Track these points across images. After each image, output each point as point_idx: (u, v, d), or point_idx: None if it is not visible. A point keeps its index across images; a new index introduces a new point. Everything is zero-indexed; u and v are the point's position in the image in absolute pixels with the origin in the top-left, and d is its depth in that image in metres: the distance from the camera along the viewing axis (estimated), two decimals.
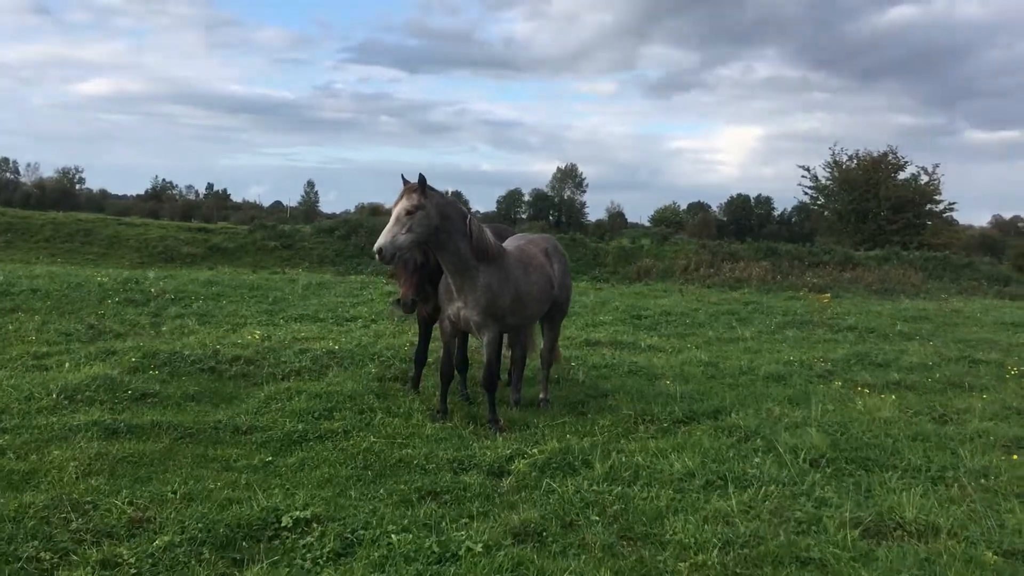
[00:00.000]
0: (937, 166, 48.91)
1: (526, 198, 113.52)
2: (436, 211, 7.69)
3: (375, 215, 70.54)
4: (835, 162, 50.07)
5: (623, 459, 7.05)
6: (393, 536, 5.28)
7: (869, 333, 17.18)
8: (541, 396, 9.45)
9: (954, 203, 50.01)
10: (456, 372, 9.74)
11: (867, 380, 11.30)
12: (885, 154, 49.15)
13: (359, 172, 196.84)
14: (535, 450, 7.27)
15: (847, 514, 5.80)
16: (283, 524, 5.48)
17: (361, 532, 5.38)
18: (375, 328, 14.86)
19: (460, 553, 5.06)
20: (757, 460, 7.05)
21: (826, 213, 52.15)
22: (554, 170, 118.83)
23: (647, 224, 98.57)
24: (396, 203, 7.64)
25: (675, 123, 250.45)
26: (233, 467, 6.91)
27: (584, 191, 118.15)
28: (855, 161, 49.52)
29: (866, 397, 10.08)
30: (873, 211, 47.25)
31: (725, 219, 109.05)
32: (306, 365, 10.73)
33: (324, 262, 31.41)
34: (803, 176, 51.46)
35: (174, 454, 7.14)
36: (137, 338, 12.51)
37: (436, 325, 9.62)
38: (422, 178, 7.66)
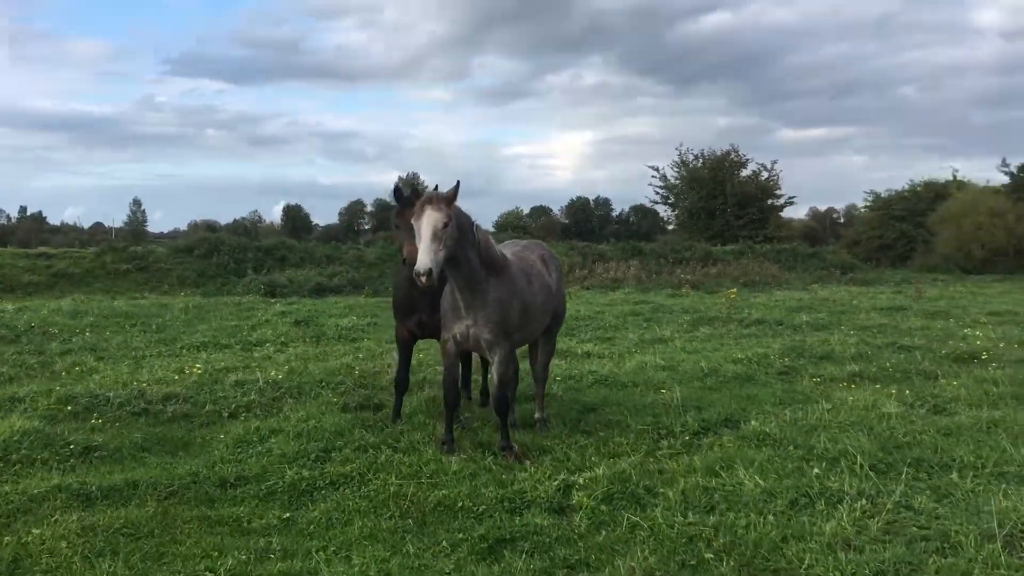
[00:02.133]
0: (775, 162, 51.24)
1: (369, 209, 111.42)
2: (458, 222, 6.94)
3: (212, 231, 67.21)
4: (682, 162, 51.60)
5: (684, 482, 6.45)
6: None
7: (778, 325, 17.32)
8: (538, 416, 8.73)
9: (793, 197, 52.60)
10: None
11: (833, 374, 11.19)
12: (728, 153, 51.06)
13: (187, 188, 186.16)
14: (581, 479, 6.56)
15: (971, 527, 5.41)
16: None
17: None
18: (293, 351, 13.71)
19: None
20: (818, 471, 6.60)
21: (675, 212, 53.51)
22: (395, 180, 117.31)
23: (492, 229, 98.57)
24: (420, 215, 6.79)
25: (510, 130, 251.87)
26: (251, 529, 5.87)
27: None
28: (700, 160, 51.16)
29: (850, 392, 9.93)
30: (720, 207, 48.88)
31: (567, 221, 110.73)
32: (253, 399, 9.57)
33: (186, 284, 29.27)
34: (653, 176, 52.69)
35: (172, 518, 6.00)
36: (32, 380, 10.93)
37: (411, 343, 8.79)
38: (458, 187, 6.98)
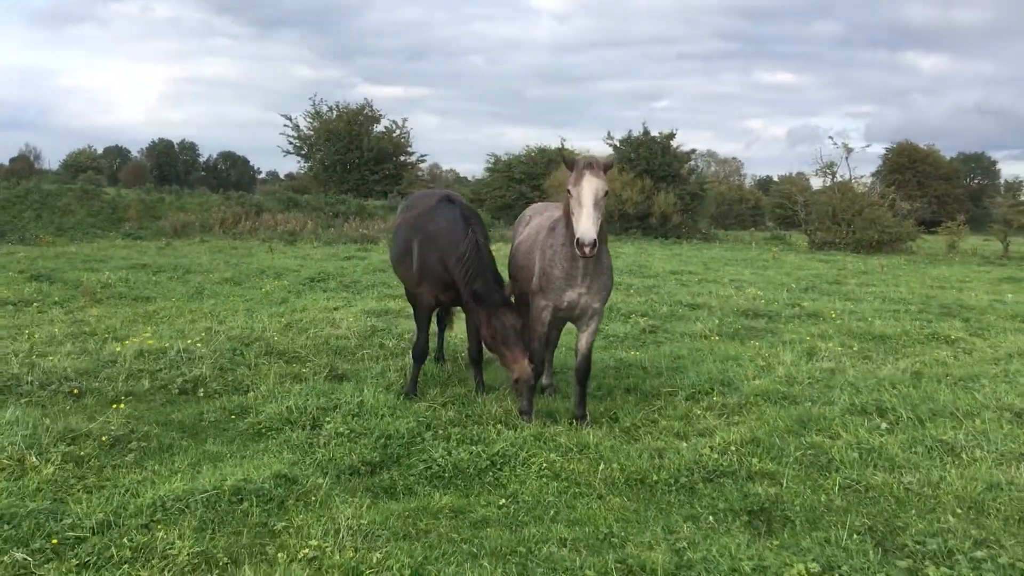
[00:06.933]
0: (406, 120, 52.30)
1: None
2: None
3: None
4: (317, 112, 50.49)
5: (832, 445, 6.74)
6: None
7: None
8: (546, 382, 8.55)
9: (425, 155, 54.40)
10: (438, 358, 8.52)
11: (693, 331, 12.10)
12: (362, 107, 50.98)
13: None
14: (719, 441, 6.69)
15: None
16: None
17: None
18: (103, 312, 11.72)
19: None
20: (887, 425, 7.38)
21: (309, 164, 52.28)
22: None
23: (57, 170, 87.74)
24: (579, 182, 6.65)
25: (69, 58, 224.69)
26: (491, 519, 5.35)
27: None
28: (335, 112, 50.50)
29: (739, 347, 10.91)
30: (356, 161, 48.85)
31: (148, 164, 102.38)
32: (202, 374, 8.27)
33: None
34: (285, 125, 50.95)
35: (397, 514, 5.16)
36: None
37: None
38: (614, 157, 6.67)
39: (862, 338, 11.99)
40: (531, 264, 7.45)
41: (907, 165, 71.07)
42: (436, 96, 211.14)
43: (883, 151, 71.05)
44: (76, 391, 7.47)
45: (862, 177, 45.38)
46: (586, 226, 6.42)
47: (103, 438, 6.02)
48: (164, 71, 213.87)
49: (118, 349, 8.71)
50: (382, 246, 27.00)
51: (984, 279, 23.95)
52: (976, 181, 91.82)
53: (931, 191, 68.07)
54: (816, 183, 46.29)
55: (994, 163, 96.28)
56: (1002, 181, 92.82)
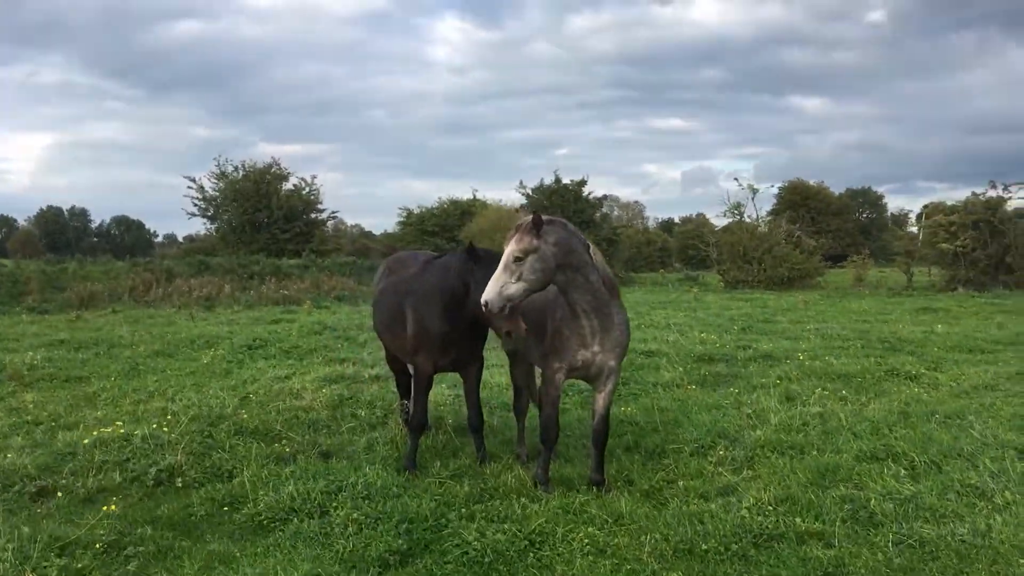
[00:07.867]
0: (315, 177, 51.46)
1: None
2: (557, 250, 6.40)
3: None
4: (222, 173, 49.20)
5: (864, 496, 6.50)
6: None
7: None
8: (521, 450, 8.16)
9: (336, 212, 53.54)
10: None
11: (660, 380, 11.85)
12: (270, 165, 49.99)
13: None
14: (750, 501, 6.38)
15: None
16: None
17: None
18: (40, 396, 10.77)
19: None
20: (904, 471, 7.23)
21: (215, 226, 50.79)
22: None
23: None
24: (506, 243, 6.35)
25: None
26: None
27: None
28: (240, 172, 49.33)
29: (707, 394, 10.75)
30: (265, 221, 47.75)
31: (37, 233, 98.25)
32: (176, 461, 7.52)
33: None
34: (189, 187, 49.42)
35: None
36: None
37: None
38: (537, 217, 6.39)
39: (827, 378, 11.92)
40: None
41: (799, 202, 72.96)
42: (337, 151, 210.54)
43: (776, 190, 72.86)
44: (55, 489, 6.73)
45: (764, 216, 46.59)
46: (488, 287, 6.26)
47: (96, 545, 5.37)
48: (50, 138, 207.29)
49: (84, 441, 7.90)
50: (307, 306, 26.19)
51: (901, 310, 24.50)
52: (865, 215, 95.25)
53: (824, 226, 70.22)
54: (720, 223, 47.08)
55: (881, 197, 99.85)
56: (889, 214, 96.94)
